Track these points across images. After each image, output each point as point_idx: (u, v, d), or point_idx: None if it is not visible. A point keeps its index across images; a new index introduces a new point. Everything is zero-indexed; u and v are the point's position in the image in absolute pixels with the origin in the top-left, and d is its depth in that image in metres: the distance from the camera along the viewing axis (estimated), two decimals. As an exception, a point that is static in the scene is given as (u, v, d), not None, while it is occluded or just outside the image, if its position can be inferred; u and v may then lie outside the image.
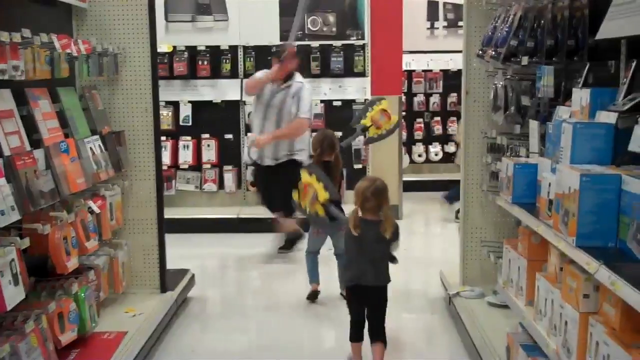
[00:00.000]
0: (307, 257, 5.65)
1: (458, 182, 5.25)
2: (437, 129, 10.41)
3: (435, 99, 10.40)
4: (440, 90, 10.35)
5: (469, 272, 5.21)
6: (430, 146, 10.48)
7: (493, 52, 4.04)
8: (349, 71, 8.02)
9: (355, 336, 4.19)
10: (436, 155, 10.48)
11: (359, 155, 8.14)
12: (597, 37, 3.11)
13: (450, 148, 10.38)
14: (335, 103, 8.11)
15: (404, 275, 6.37)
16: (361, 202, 4.00)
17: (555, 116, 3.47)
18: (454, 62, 10.07)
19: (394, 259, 4.18)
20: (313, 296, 5.53)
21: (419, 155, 10.46)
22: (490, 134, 4.79)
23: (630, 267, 2.25)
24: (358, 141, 7.39)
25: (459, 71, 9.71)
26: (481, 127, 4.97)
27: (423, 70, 10.32)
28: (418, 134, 10.42)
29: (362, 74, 8.04)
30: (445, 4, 10.36)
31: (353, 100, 8.08)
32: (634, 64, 2.89)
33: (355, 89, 8.05)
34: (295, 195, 4.77)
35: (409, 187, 9.04)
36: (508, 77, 4.25)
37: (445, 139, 10.44)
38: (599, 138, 2.78)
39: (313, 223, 5.37)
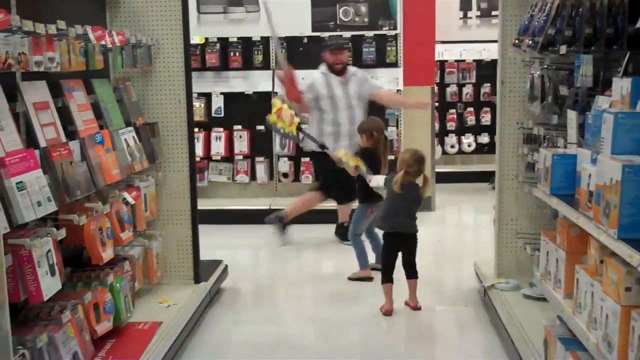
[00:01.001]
0: (356, 240, 5.83)
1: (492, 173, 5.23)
2: (470, 120, 10.31)
3: (468, 90, 10.29)
4: (474, 80, 10.24)
5: (504, 264, 5.15)
6: (463, 137, 10.38)
7: (530, 41, 3.97)
8: (382, 61, 7.96)
9: (389, 278, 5.08)
10: (469, 146, 10.38)
11: (391, 147, 8.07)
12: (638, 26, 3.03)
13: (484, 139, 10.29)
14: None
15: (437, 267, 6.33)
16: (406, 167, 4.93)
17: (594, 106, 3.40)
18: (487, 52, 9.96)
19: None
20: (368, 279, 5.76)
21: (452, 147, 10.37)
22: (526, 124, 4.72)
23: (675, 259, 2.19)
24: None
25: (493, 61, 9.79)
26: (517, 118, 4.89)
27: (456, 61, 10.22)
28: (451, 125, 10.33)
29: (394, 65, 7.98)
30: (477, -6, 10.26)
31: (385, 91, 8.01)
32: (677, 52, 2.82)
33: (388, 80, 7.98)
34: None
35: (441, 178, 8.97)
36: (545, 66, 4.18)
37: (478, 129, 10.33)
38: (641, 128, 2.71)
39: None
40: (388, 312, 5.01)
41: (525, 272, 4.97)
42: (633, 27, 3.57)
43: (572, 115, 3.74)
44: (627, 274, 2.46)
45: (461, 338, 4.76)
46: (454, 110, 10.36)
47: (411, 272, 5.14)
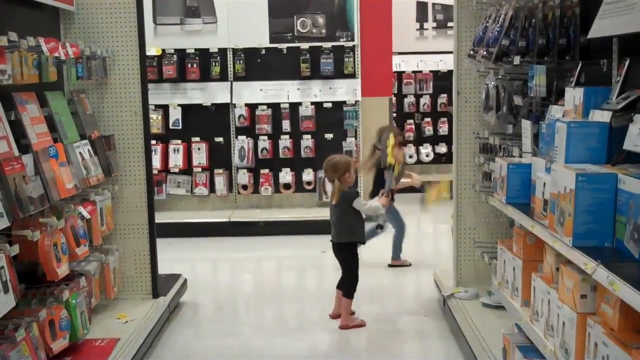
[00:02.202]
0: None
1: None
2: (428, 130, 10.38)
3: (425, 100, 10.37)
4: (431, 91, 10.32)
5: (463, 273, 5.19)
6: (421, 147, 10.45)
7: (485, 52, 4.02)
8: (340, 73, 8.00)
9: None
10: (427, 156, 10.45)
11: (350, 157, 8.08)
12: (589, 36, 3.09)
13: (442, 149, 10.37)
14: (325, 105, 8.08)
15: (397, 277, 6.35)
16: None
17: (548, 115, 3.46)
18: (444, 63, 10.06)
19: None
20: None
21: (410, 157, 10.42)
22: (482, 134, 4.77)
23: (628, 266, 2.22)
24: None
25: (449, 72, 9.88)
26: (473, 128, 4.95)
27: (413, 72, 10.29)
28: (409, 135, 10.39)
29: (352, 76, 8.02)
30: (434, 4, 10.34)
31: (344, 102, 8.05)
32: (627, 63, 2.88)
33: (346, 91, 8.03)
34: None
35: (400, 189, 8.97)
36: (499, 77, 4.23)
37: (436, 139, 10.41)
38: (594, 137, 2.76)
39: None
40: (334, 316, 5.12)
41: (483, 280, 5.02)
42: (585, 38, 3.65)
43: (526, 125, 3.79)
44: (583, 281, 2.49)
45: (421, 347, 4.78)
46: (411, 121, 10.42)
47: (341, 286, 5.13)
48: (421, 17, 10.35)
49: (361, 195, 5.32)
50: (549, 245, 2.85)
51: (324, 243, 7.18)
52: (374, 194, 5.97)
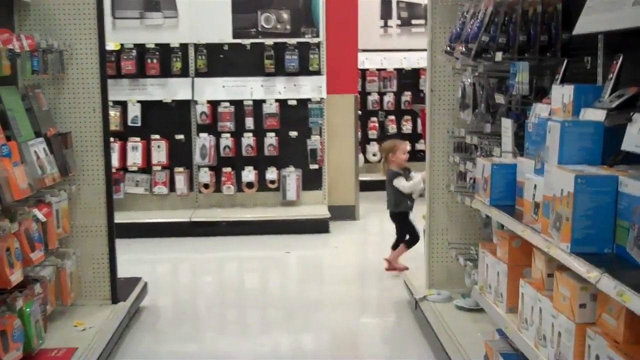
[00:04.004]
0: None
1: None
2: (392, 128, 10.28)
3: (389, 98, 10.26)
4: (395, 89, 10.20)
5: (435, 275, 5.06)
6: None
7: (463, 49, 3.88)
8: (304, 69, 7.82)
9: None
10: (391, 154, 10.32)
11: (314, 156, 7.92)
12: (575, 32, 2.97)
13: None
14: (290, 102, 7.89)
15: (366, 279, 6.19)
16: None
17: (532, 114, 3.32)
18: (408, 61, 9.95)
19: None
20: None
21: (374, 155, 10.30)
22: (457, 133, 4.64)
23: (634, 274, 2.08)
24: None
25: (414, 70, 9.85)
26: (447, 126, 4.81)
27: (377, 69, 10.16)
28: (372, 133, 10.27)
29: (317, 73, 7.84)
30: (398, 2, 10.25)
31: (308, 100, 7.87)
32: (620, 59, 2.75)
33: (311, 88, 7.85)
34: None
35: (365, 187, 8.88)
36: (477, 74, 4.09)
37: (399, 138, 10.28)
38: (588, 137, 2.62)
39: None
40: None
41: (456, 283, 4.90)
42: (567, 34, 3.54)
43: (507, 124, 3.65)
44: (582, 290, 2.35)
45: (393, 351, 4.63)
46: (375, 119, 10.30)
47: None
48: (385, 14, 10.26)
49: (403, 176, 5.90)
50: (539, 250, 2.71)
51: (287, 242, 7.09)
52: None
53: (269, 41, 7.75)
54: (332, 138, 8.03)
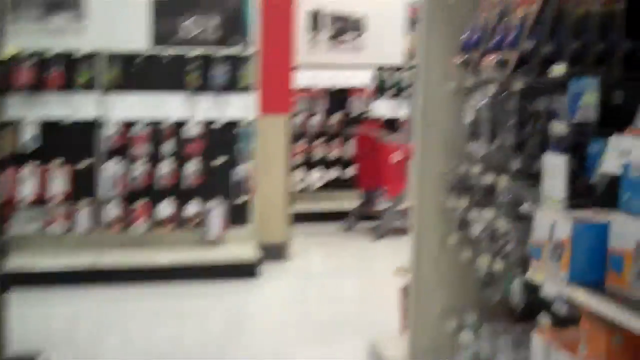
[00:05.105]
0: None
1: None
2: (319, 153, 9.35)
3: (317, 119, 9.32)
4: (324, 109, 9.27)
5: (417, 343, 4.10)
6: (312, 171, 9.39)
7: (498, 59, 2.92)
8: (233, 85, 6.75)
9: None
10: (319, 180, 9.43)
11: (242, 186, 6.84)
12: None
13: (333, 174, 9.37)
14: (215, 123, 6.80)
15: (311, 343, 5.08)
16: None
17: (609, 150, 2.40)
18: (337, 79, 9.06)
19: None
20: None
21: (301, 180, 9.36)
22: (457, 169, 3.70)
23: None
24: None
25: (342, 90, 8.95)
26: (440, 161, 3.87)
27: (303, 88, 9.20)
28: (298, 159, 9.29)
29: (247, 89, 6.78)
30: (326, 15, 9.34)
31: (237, 121, 6.81)
32: None
33: (240, 106, 6.80)
34: None
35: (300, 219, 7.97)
36: (503, 93, 3.14)
37: (327, 163, 9.40)
38: None
39: None
40: None
41: (442, 353, 4.00)
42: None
43: (556, 160, 2.70)
44: None
45: None
46: (302, 142, 9.33)
47: None
48: (313, 27, 9.33)
49: None
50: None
51: (208, 291, 6.05)
52: None
53: (193, 52, 6.65)
54: (264, 165, 6.99)
